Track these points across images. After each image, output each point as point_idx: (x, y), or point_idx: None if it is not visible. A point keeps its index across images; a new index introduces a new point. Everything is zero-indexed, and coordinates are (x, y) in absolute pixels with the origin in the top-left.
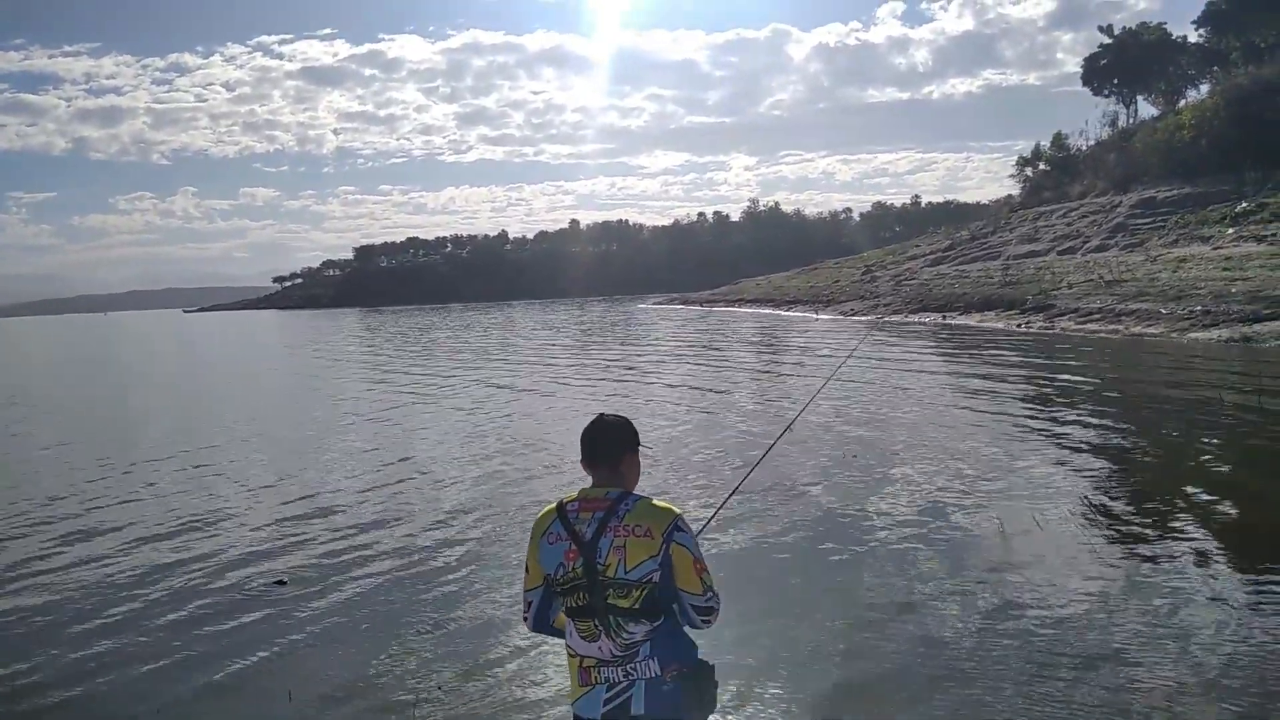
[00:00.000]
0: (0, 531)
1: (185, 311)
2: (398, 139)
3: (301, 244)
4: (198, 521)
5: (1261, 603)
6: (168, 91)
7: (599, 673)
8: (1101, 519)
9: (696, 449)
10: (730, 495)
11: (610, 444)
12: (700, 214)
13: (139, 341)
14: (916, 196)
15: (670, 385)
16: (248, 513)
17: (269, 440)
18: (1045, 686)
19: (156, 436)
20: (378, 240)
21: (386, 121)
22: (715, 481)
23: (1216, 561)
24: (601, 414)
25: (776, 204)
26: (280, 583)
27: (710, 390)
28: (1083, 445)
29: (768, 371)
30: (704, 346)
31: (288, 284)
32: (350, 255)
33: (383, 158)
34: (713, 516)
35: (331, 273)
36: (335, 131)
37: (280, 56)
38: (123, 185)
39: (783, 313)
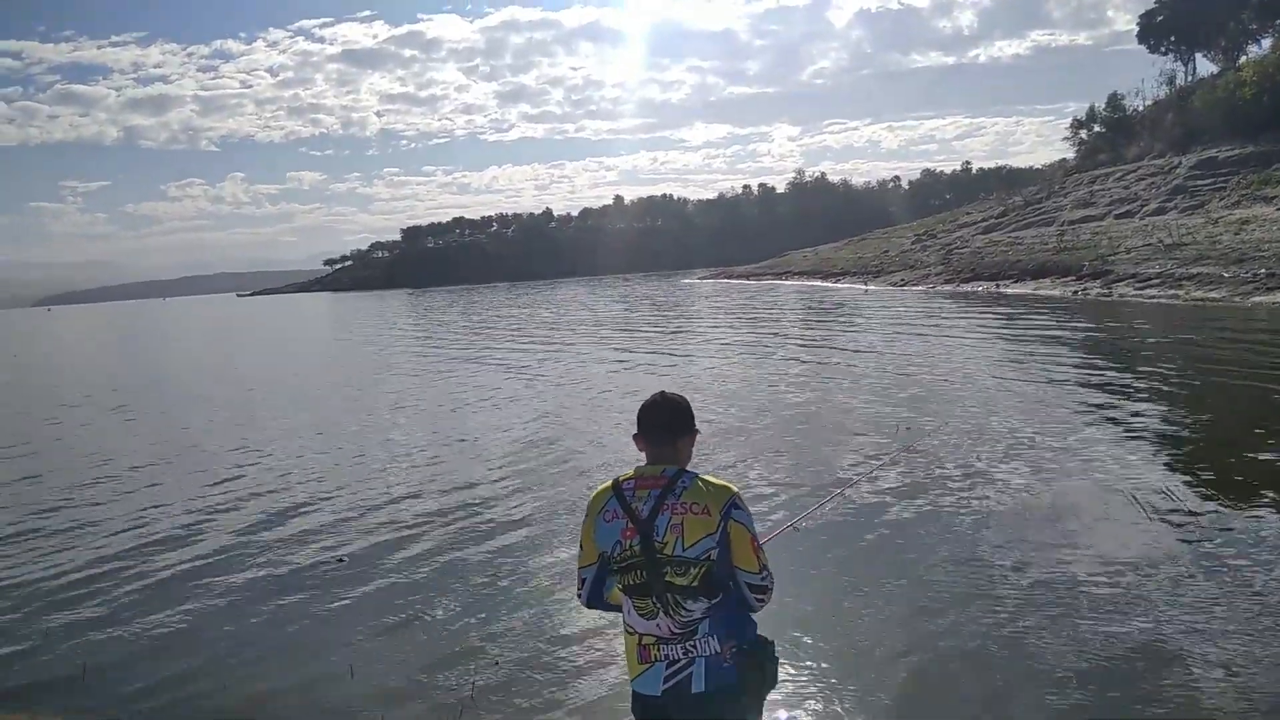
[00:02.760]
0: (93, 513)
1: (239, 295)
2: (439, 119)
3: (349, 226)
4: (263, 501)
5: None
6: (213, 79)
7: (658, 650)
8: (1164, 500)
9: (754, 433)
10: (812, 510)
11: (670, 422)
12: (745, 186)
13: (202, 327)
14: (967, 163)
15: (721, 370)
16: (310, 492)
17: (333, 422)
18: (1098, 673)
19: (217, 421)
20: (424, 221)
21: (428, 102)
22: (771, 471)
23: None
24: (662, 391)
25: (822, 174)
26: (341, 560)
27: (757, 368)
28: (1138, 423)
29: (817, 360)
30: (752, 326)
31: (338, 266)
32: (398, 236)
33: (425, 138)
34: (785, 526)
35: (380, 254)
36: (378, 114)
37: (321, 40)
38: (173, 172)
39: (831, 284)
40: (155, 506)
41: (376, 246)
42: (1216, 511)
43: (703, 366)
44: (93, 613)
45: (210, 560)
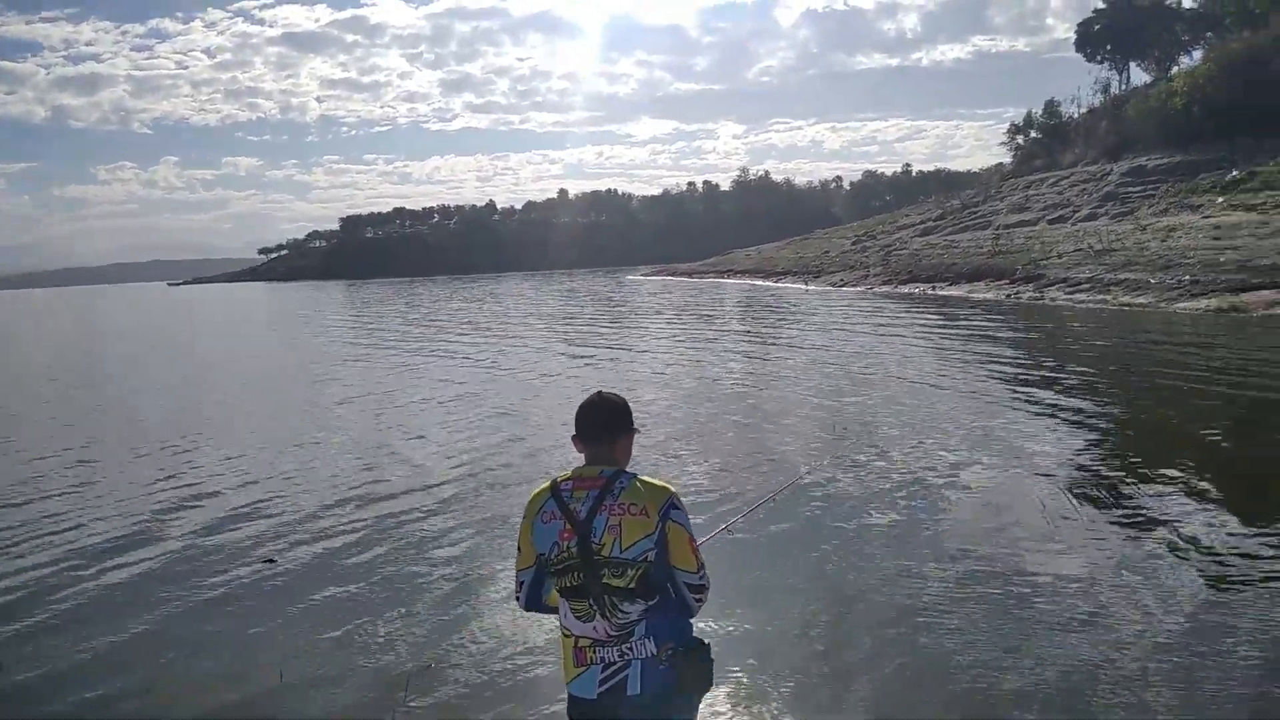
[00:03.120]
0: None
1: (170, 285)
2: (381, 107)
3: (286, 214)
4: (185, 499)
5: (1236, 574)
6: (148, 59)
7: (594, 653)
8: (1087, 489)
9: (688, 431)
10: (750, 510)
11: (608, 422)
12: (690, 184)
13: (136, 318)
14: (907, 165)
15: (660, 367)
16: (236, 491)
17: (259, 419)
18: (1024, 652)
19: (147, 416)
20: (363, 210)
21: (370, 89)
22: (711, 471)
23: (1196, 530)
24: (599, 391)
25: (766, 173)
26: (269, 561)
27: (699, 368)
28: (1069, 416)
29: (760, 357)
30: (696, 324)
31: (273, 256)
32: (336, 226)
33: (367, 126)
34: (721, 528)
35: (317, 244)
36: (318, 99)
37: (261, 22)
38: (104, 155)
39: (773, 284)
40: (83, 507)
41: (314, 236)
42: (1141, 501)
43: (646, 364)
44: (4, 614)
45: (138, 560)
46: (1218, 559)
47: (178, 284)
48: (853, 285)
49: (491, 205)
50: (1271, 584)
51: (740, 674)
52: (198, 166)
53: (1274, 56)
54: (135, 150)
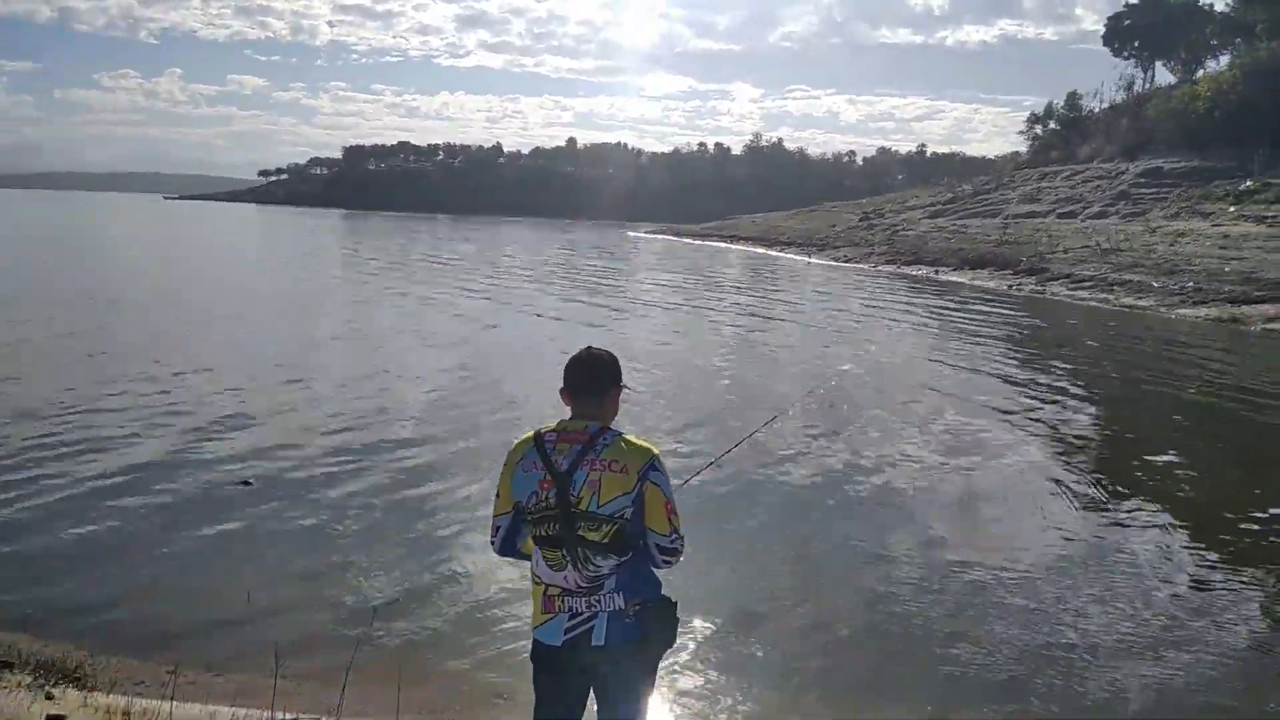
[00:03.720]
0: None
1: (165, 198)
2: (394, 36)
3: (289, 137)
4: (165, 419)
5: (1204, 577)
6: None
7: (563, 602)
8: (1064, 486)
9: (675, 392)
10: (708, 465)
11: (596, 377)
12: (701, 144)
13: (135, 231)
14: (922, 145)
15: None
16: (217, 412)
17: (250, 340)
18: (993, 639)
19: (133, 336)
20: (367, 141)
21: (383, 17)
22: (694, 426)
23: (1167, 533)
24: (589, 346)
25: (780, 140)
26: (247, 483)
27: (691, 330)
28: (1055, 410)
29: (753, 326)
30: (696, 287)
31: (273, 179)
32: (338, 154)
33: (377, 55)
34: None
35: (318, 171)
36: (330, 24)
37: None
38: (108, 61)
39: (776, 254)
40: (65, 421)
41: (315, 162)
42: (1115, 504)
43: (642, 323)
44: None
45: (115, 479)
46: (1186, 552)
47: (174, 198)
48: (856, 262)
49: (498, 147)
50: (1236, 581)
51: (708, 636)
52: (202, 81)
53: None
54: (140, 59)
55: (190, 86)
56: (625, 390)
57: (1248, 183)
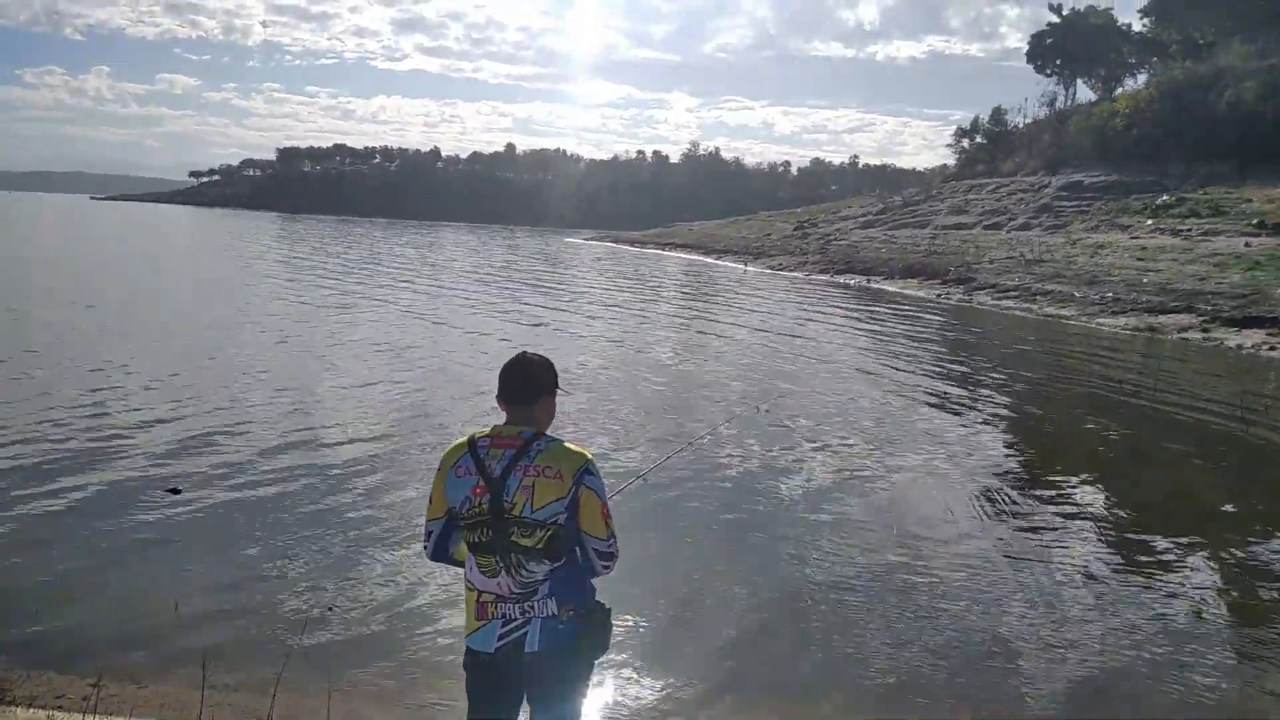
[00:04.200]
0: None
1: (93, 199)
2: (329, 39)
3: (220, 139)
4: (91, 424)
5: (1123, 578)
6: None
7: (496, 608)
8: (991, 489)
9: (615, 399)
10: (647, 472)
11: (530, 383)
12: (640, 152)
13: (57, 231)
14: (855, 156)
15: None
16: (145, 418)
17: (174, 344)
18: (919, 638)
19: (69, 336)
20: (302, 143)
21: (319, 19)
22: (629, 429)
23: (1088, 535)
24: (524, 351)
25: (717, 150)
26: (174, 491)
27: (628, 327)
28: (979, 414)
29: (691, 330)
30: (635, 293)
31: (204, 180)
32: (272, 156)
33: (312, 56)
34: (632, 480)
35: (252, 172)
36: (263, 24)
37: None
38: (32, 57)
39: (713, 261)
40: None
41: (248, 164)
42: (1036, 498)
43: (580, 327)
44: None
45: (34, 487)
46: (1103, 547)
47: (101, 198)
48: (791, 270)
49: (436, 152)
50: (1146, 574)
51: (642, 638)
52: (131, 80)
53: (1212, 88)
54: (65, 56)
55: (118, 85)
56: (563, 393)
57: (1164, 197)
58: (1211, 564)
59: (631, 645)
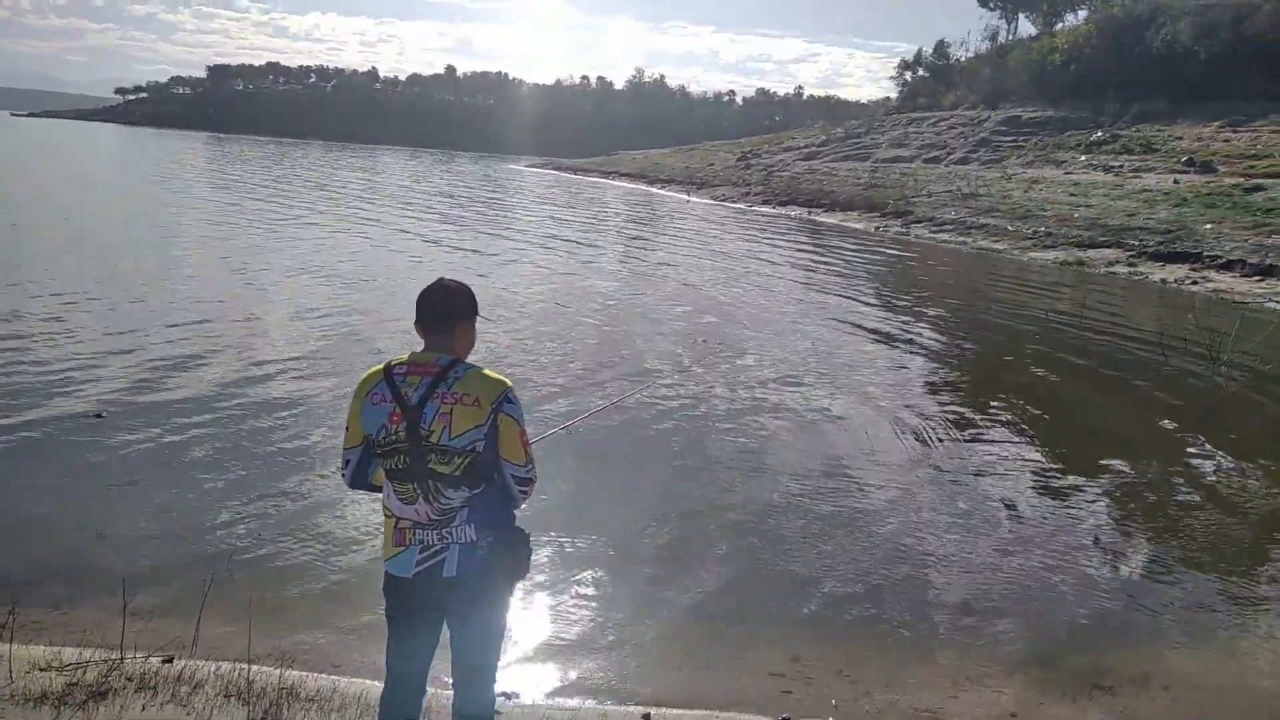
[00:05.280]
0: None
1: (14, 115)
2: None
3: (146, 55)
4: (10, 346)
5: (1043, 511)
6: None
7: (414, 534)
8: (918, 417)
9: (552, 328)
10: (585, 416)
11: (446, 308)
12: (583, 77)
13: None
14: (799, 88)
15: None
16: (66, 340)
17: (100, 266)
18: (843, 559)
19: None
20: (233, 61)
21: None
22: (564, 361)
23: (1009, 456)
24: (441, 278)
25: (662, 77)
26: (98, 416)
27: (565, 256)
28: (912, 348)
29: (634, 260)
30: (576, 222)
31: (130, 98)
32: (202, 74)
33: None
34: (562, 426)
35: (181, 90)
36: None
37: None
38: None
39: (657, 190)
40: None
41: (177, 81)
42: (961, 424)
43: (520, 256)
44: None
45: None
46: (1022, 475)
47: (22, 115)
48: (734, 201)
49: (374, 73)
50: (1059, 496)
51: (570, 568)
52: None
53: (1149, 26)
54: None
55: None
56: (483, 320)
57: (1098, 134)
58: (1118, 485)
59: (556, 573)
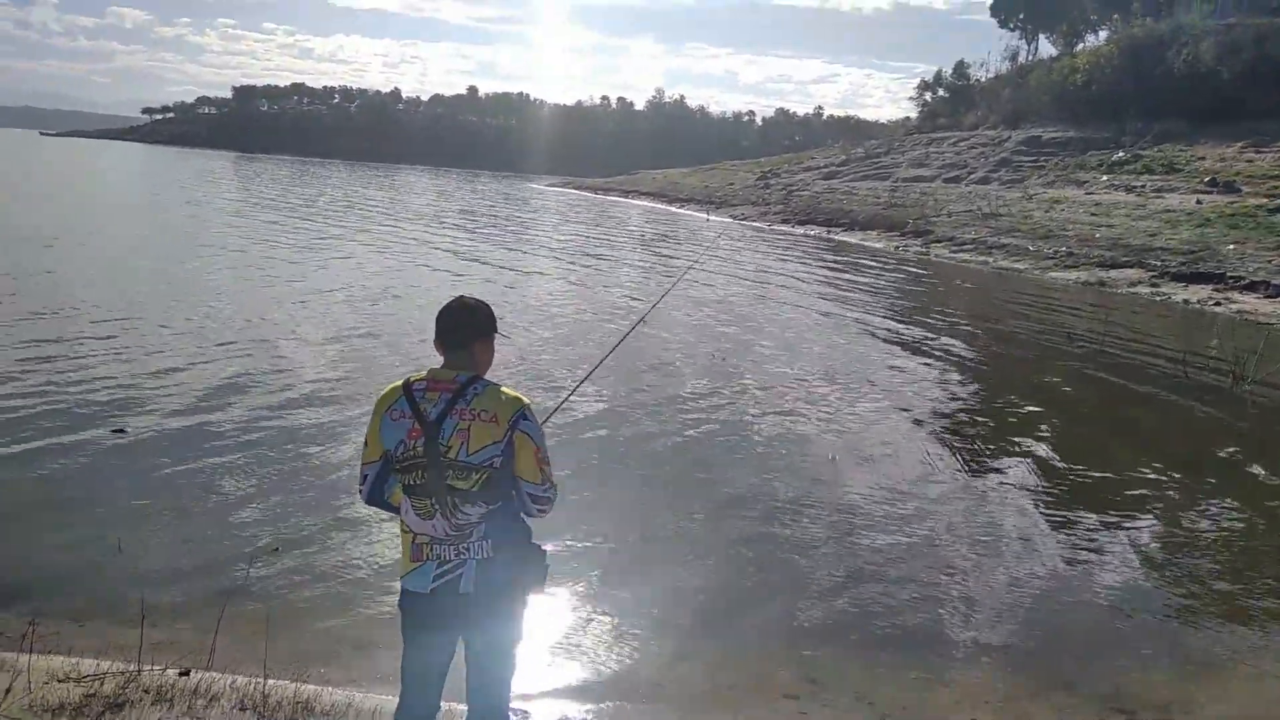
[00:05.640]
0: None
1: (43, 134)
2: None
3: (173, 76)
4: (39, 365)
5: (1065, 531)
6: None
7: (431, 550)
8: (937, 431)
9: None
10: (579, 385)
11: (465, 326)
12: (604, 98)
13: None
14: (819, 108)
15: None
16: (94, 357)
17: (131, 286)
18: (860, 567)
19: (16, 274)
20: (258, 82)
21: None
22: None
23: (1041, 484)
24: (461, 295)
25: (682, 97)
26: (120, 431)
27: (589, 271)
28: (934, 362)
29: (653, 276)
30: (598, 238)
31: (158, 117)
32: (228, 94)
33: None
34: (560, 405)
35: (207, 110)
36: None
37: None
38: None
39: (676, 210)
40: None
41: (203, 102)
42: (980, 439)
43: (538, 272)
44: None
45: None
46: (1045, 491)
47: (51, 135)
48: (753, 220)
49: (396, 93)
50: (1079, 512)
51: (583, 581)
52: (79, 13)
53: (1170, 46)
54: None
55: (66, 17)
56: (501, 338)
57: (1119, 154)
58: (1144, 507)
59: (569, 587)
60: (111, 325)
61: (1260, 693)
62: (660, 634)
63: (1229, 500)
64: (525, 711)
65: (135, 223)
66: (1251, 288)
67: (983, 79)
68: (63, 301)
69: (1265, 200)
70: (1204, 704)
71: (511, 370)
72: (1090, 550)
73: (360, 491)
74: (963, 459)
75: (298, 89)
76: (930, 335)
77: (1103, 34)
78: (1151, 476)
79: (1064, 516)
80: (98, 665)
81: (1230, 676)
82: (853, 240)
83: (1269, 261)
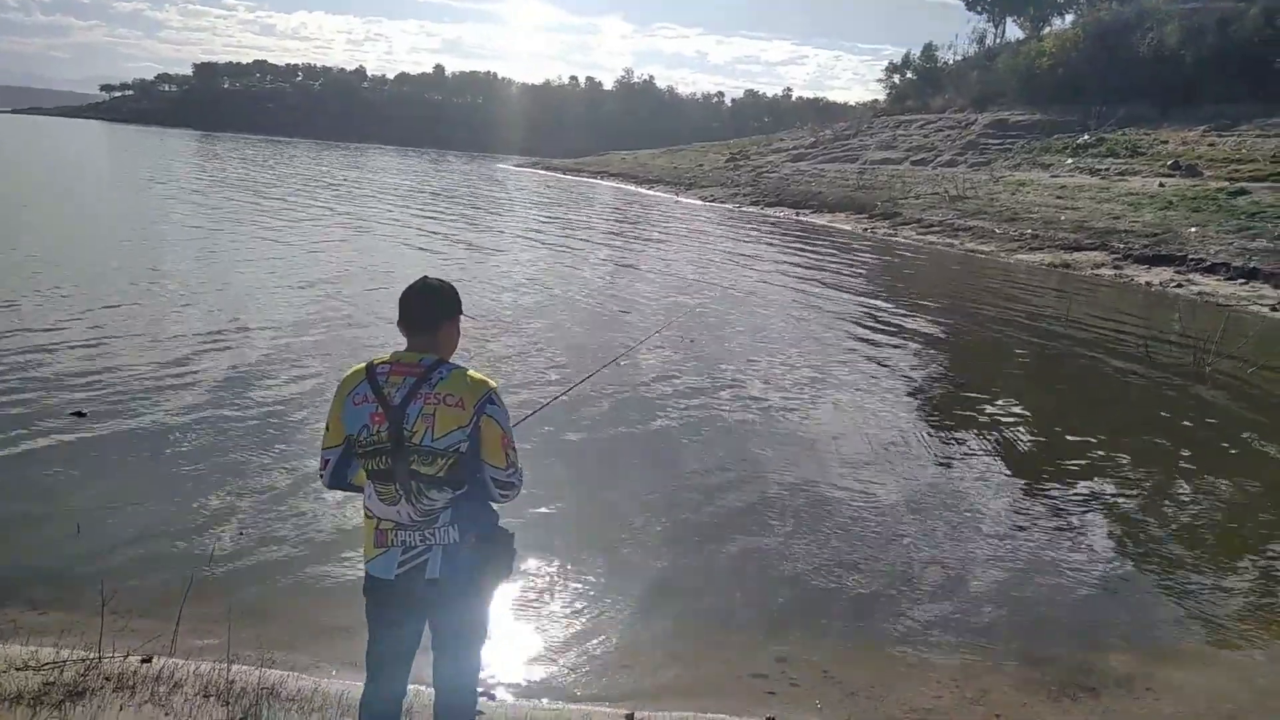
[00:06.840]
0: None
1: None
2: None
3: (132, 52)
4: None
5: (1031, 508)
6: None
7: (396, 535)
8: (910, 412)
9: (543, 326)
10: (552, 401)
11: (431, 308)
12: (572, 78)
13: None
14: (788, 89)
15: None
16: (52, 337)
17: (89, 265)
18: (838, 555)
19: None
20: (220, 59)
21: None
22: (553, 352)
23: (998, 460)
24: (424, 276)
25: (651, 78)
26: (79, 414)
27: (562, 265)
28: (900, 344)
29: (622, 257)
30: (565, 220)
31: (117, 94)
32: (188, 71)
33: None
34: (539, 410)
35: (167, 88)
36: None
37: None
38: None
39: (645, 191)
40: None
41: (164, 79)
42: (947, 419)
43: (506, 253)
44: None
45: None
46: (1011, 470)
47: (6, 111)
48: (722, 202)
49: (361, 71)
50: (1044, 489)
51: (554, 566)
52: None
53: (1135, 30)
54: None
55: None
56: (466, 319)
57: (1084, 137)
58: (1107, 487)
59: (538, 571)
60: (69, 306)
61: (1224, 670)
62: (627, 614)
63: (1197, 478)
64: (491, 694)
65: (96, 203)
66: (1212, 270)
67: (950, 62)
68: (21, 283)
69: (1226, 183)
70: (1168, 680)
71: (489, 357)
72: (1056, 529)
73: (321, 475)
74: (930, 439)
75: (260, 66)
76: (898, 316)
77: (1069, 18)
78: (1117, 455)
79: (1030, 495)
80: (57, 652)
81: (1195, 654)
82: (821, 222)
83: (1229, 244)
